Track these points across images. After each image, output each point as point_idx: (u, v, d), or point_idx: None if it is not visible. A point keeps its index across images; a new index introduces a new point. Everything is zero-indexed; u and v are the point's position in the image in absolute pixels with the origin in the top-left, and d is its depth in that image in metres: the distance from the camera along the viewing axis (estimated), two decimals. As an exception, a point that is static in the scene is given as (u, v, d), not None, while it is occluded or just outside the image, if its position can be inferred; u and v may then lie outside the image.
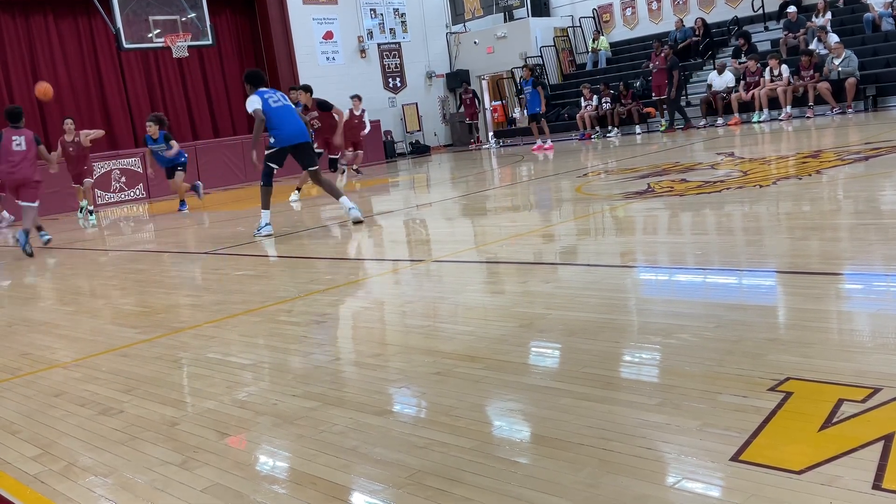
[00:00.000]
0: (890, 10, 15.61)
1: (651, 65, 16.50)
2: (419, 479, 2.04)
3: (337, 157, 12.47)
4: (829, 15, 15.99)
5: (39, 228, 9.38)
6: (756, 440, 2.01)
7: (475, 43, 22.77)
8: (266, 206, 7.90)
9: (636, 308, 3.59)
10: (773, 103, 14.97)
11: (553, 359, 3.05)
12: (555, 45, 21.70)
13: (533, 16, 21.80)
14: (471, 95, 21.44)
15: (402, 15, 22.59)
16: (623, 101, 17.34)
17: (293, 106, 8.22)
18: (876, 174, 6.66)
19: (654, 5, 20.60)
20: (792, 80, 14.68)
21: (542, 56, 21.07)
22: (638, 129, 16.96)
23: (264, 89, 7.94)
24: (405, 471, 2.10)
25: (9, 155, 8.66)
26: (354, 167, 14.16)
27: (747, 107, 15.31)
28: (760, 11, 18.01)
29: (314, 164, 8.07)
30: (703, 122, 15.91)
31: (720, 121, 15.64)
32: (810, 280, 3.65)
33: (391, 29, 22.37)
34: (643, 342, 3.03)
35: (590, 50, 21.21)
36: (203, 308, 4.72)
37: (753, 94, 15.10)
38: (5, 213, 12.67)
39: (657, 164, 9.56)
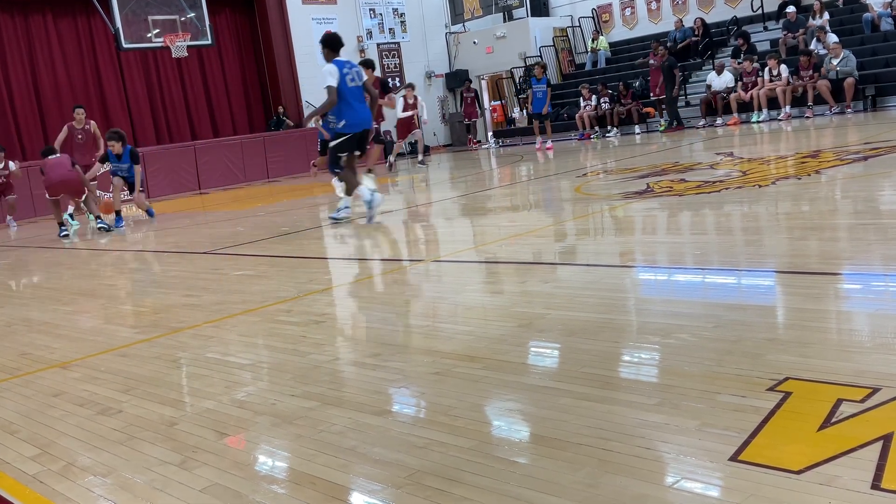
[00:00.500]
0: (889, 10, 15.62)
1: (651, 61, 16.47)
2: (418, 479, 2.04)
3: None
4: (826, 15, 16.00)
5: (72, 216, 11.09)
6: (755, 440, 2.01)
7: (474, 43, 22.78)
8: (353, 185, 7.47)
9: (635, 308, 3.59)
10: (773, 103, 14.97)
11: (552, 359, 3.05)
12: (554, 45, 21.70)
13: (532, 16, 21.80)
14: (472, 95, 21.25)
15: (402, 15, 22.60)
16: (622, 101, 17.35)
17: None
18: (875, 174, 6.66)
19: (654, 5, 20.60)
20: (791, 80, 14.69)
21: (541, 56, 21.07)
22: (637, 129, 16.96)
23: (342, 60, 7.28)
24: (404, 471, 2.10)
25: (49, 164, 10.44)
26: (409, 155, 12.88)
27: (746, 107, 15.32)
28: (760, 11, 18.02)
29: (364, 152, 7.74)
30: (702, 122, 15.91)
31: (719, 121, 15.64)
32: (809, 280, 3.65)
33: (390, 29, 22.37)
34: (642, 342, 3.03)
35: (589, 50, 21.21)
36: (202, 308, 4.72)
37: (752, 95, 15.11)
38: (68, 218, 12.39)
39: (656, 164, 9.56)
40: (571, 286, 4.18)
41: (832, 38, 14.81)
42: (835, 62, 14.17)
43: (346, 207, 7.56)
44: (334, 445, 2.34)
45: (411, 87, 15.16)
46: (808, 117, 14.26)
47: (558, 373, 2.82)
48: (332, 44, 7.33)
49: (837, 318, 3.06)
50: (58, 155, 10.70)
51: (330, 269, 5.99)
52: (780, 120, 14.57)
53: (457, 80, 22.75)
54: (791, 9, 16.36)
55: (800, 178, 6.88)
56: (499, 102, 22.84)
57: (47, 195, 10.52)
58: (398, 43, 22.51)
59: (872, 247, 4.08)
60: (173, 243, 8.61)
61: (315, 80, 20.36)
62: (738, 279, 3.91)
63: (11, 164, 12.36)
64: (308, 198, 11.85)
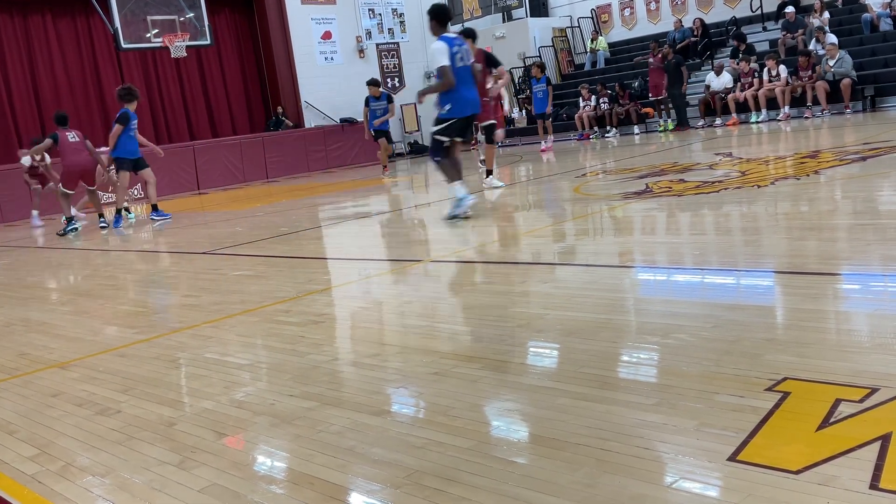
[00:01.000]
0: (888, 10, 15.63)
1: (650, 59, 16.46)
2: (417, 479, 2.04)
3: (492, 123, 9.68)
4: (826, 15, 16.00)
5: (100, 216, 10.89)
6: (753, 440, 2.01)
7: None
8: (454, 177, 6.82)
9: (634, 308, 3.59)
10: (772, 103, 14.98)
11: (551, 359, 3.05)
12: (553, 46, 21.70)
13: (531, 16, 21.80)
14: None
15: (401, 15, 22.59)
16: (620, 101, 17.34)
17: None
18: (874, 174, 6.66)
19: (653, 5, 20.60)
20: (790, 81, 14.69)
21: (540, 56, 21.07)
22: (636, 129, 16.96)
23: (451, 36, 6.68)
24: (403, 471, 2.10)
25: (69, 148, 10.20)
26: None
27: (746, 107, 15.32)
28: (759, 12, 18.02)
29: (469, 139, 7.07)
30: (701, 123, 15.92)
31: (718, 121, 15.65)
32: (808, 280, 3.66)
33: (390, 29, 22.37)
34: (641, 342, 3.03)
35: (588, 50, 21.21)
36: (201, 308, 4.72)
37: (747, 95, 15.11)
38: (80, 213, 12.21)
39: (655, 165, 9.56)
40: (570, 286, 4.18)
41: (831, 38, 14.81)
42: (831, 63, 14.17)
43: (465, 198, 6.76)
44: (333, 445, 2.34)
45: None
46: (806, 118, 14.27)
47: (557, 373, 2.82)
48: (440, 16, 6.77)
49: (836, 318, 3.06)
50: (73, 134, 10.26)
51: (329, 269, 5.98)
52: (778, 120, 14.57)
53: (456, 81, 22.72)
54: (790, 9, 16.36)
55: (798, 179, 6.88)
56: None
57: (61, 186, 10.43)
58: (397, 43, 22.51)
59: (871, 247, 4.08)
60: (172, 243, 8.61)
61: (314, 81, 20.56)
62: (737, 279, 3.91)
63: (47, 157, 12.18)
64: (307, 198, 11.85)
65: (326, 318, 4.17)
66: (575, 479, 1.93)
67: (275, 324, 4.05)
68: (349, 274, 5.63)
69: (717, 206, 6.12)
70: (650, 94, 16.74)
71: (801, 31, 15.91)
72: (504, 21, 22.59)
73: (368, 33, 21.83)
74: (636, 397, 2.41)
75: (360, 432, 2.41)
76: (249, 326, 4.07)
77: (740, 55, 15.98)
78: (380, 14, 22.11)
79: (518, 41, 21.60)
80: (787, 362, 2.52)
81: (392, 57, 22.38)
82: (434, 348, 3.24)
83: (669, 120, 16.46)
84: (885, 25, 15.52)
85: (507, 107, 13.05)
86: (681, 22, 18.91)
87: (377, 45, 22.03)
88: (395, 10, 22.44)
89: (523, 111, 20.35)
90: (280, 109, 19.98)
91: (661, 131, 16.23)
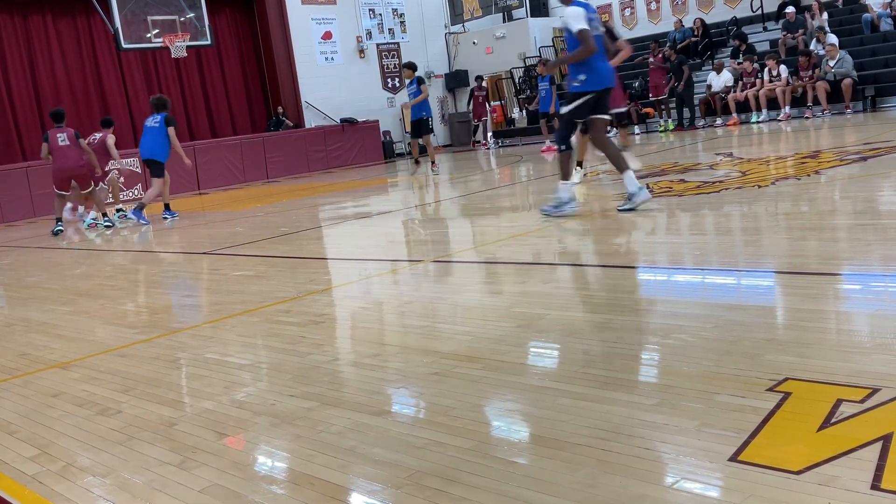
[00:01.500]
0: (888, 10, 15.63)
1: (650, 59, 16.46)
2: (417, 480, 2.04)
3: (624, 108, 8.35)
4: (825, 16, 16.00)
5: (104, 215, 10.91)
6: (754, 440, 2.01)
7: (474, 43, 22.77)
8: (567, 174, 6.22)
9: (634, 308, 3.59)
10: (773, 104, 14.97)
11: (551, 359, 3.05)
12: (553, 46, 21.70)
13: (532, 16, 21.81)
14: (484, 94, 20.21)
15: (401, 15, 22.59)
16: (619, 102, 17.33)
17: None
18: (874, 174, 6.66)
19: (653, 5, 20.61)
20: (791, 81, 14.69)
21: (540, 56, 21.07)
22: (636, 129, 16.96)
23: (584, 2, 6.07)
24: (403, 471, 2.10)
25: (57, 151, 10.15)
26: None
27: (746, 107, 15.32)
28: (759, 12, 18.02)
29: (606, 113, 6.22)
30: (701, 123, 15.92)
31: (719, 121, 15.65)
32: (808, 280, 3.65)
33: (390, 29, 22.37)
34: (641, 342, 3.03)
35: (589, 50, 21.16)
36: (201, 308, 4.72)
37: (748, 95, 15.11)
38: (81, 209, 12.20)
39: (655, 165, 9.56)
40: (571, 286, 4.18)
41: (831, 38, 14.82)
42: (831, 63, 14.17)
43: (571, 201, 6.29)
44: (333, 446, 2.34)
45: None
46: (807, 118, 14.27)
47: (557, 373, 2.82)
48: None
49: (837, 318, 3.06)
50: (63, 136, 10.26)
51: (329, 269, 5.98)
52: (779, 120, 14.57)
53: (456, 81, 22.73)
54: (790, 9, 16.36)
55: (799, 179, 6.88)
56: (498, 103, 22.82)
57: (54, 188, 10.48)
58: (398, 43, 22.51)
59: (871, 247, 4.08)
60: (172, 243, 8.61)
61: (314, 81, 20.56)
62: (738, 279, 3.91)
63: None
64: (308, 198, 11.85)
65: (327, 318, 4.17)
66: (575, 480, 1.93)
67: (275, 324, 4.05)
68: (349, 274, 5.63)
69: (718, 206, 6.11)
70: (650, 94, 16.75)
71: (801, 31, 15.91)
72: (504, 21, 22.60)
73: (369, 33, 21.84)
74: (637, 397, 2.41)
75: (360, 432, 2.41)
76: (250, 326, 4.07)
77: (741, 55, 15.99)
78: (380, 14, 22.11)
79: (518, 41, 21.61)
80: (787, 362, 2.52)
81: (392, 57, 22.38)
82: (434, 348, 3.24)
83: (670, 120, 16.46)
84: (885, 25, 15.52)
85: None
86: (681, 22, 18.91)
87: (377, 45, 22.03)
88: (395, 10, 22.45)
89: (523, 111, 20.35)
90: (280, 109, 19.98)
91: (661, 131, 16.23)
